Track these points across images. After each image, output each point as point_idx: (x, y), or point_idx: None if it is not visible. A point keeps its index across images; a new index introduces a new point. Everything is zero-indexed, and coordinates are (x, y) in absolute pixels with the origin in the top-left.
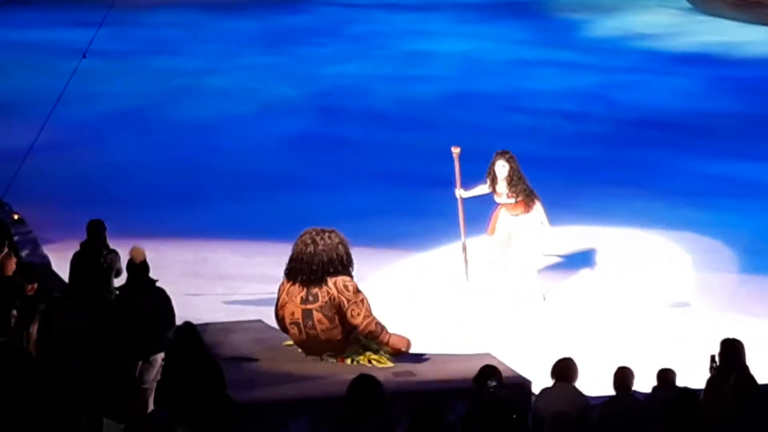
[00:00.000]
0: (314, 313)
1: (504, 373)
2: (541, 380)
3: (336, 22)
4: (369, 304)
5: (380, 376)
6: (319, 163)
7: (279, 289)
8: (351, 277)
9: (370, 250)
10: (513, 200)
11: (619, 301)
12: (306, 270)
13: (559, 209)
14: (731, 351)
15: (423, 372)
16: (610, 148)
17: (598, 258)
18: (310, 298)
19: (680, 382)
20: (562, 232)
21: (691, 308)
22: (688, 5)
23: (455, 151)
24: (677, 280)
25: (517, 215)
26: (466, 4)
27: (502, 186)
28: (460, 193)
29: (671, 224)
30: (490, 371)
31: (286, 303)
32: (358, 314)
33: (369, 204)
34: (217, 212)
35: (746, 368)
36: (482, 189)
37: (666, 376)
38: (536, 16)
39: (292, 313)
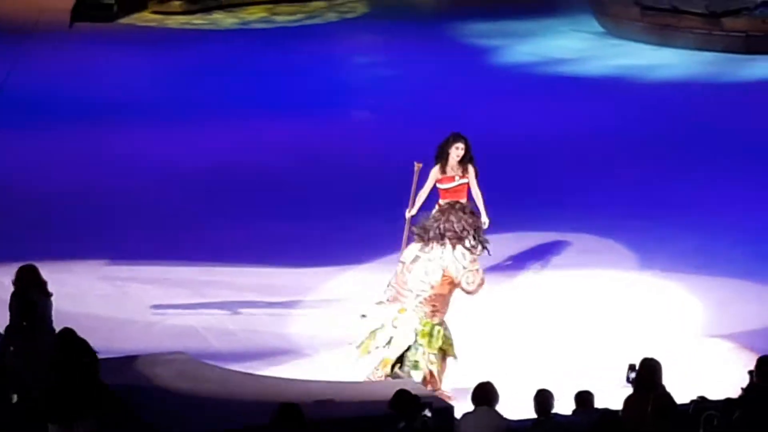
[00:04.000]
0: (419, 260)
1: (426, 399)
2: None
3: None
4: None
5: (301, 403)
6: (235, 191)
7: None
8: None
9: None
10: (460, 181)
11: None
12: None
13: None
14: (649, 371)
15: (346, 399)
16: (527, 171)
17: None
18: (426, 249)
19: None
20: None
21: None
22: (601, 29)
23: (418, 166)
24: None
25: None
26: (376, 31)
27: (453, 168)
28: (412, 212)
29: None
30: (416, 400)
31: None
32: (472, 283)
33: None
34: (134, 241)
35: (663, 388)
36: (423, 196)
37: (585, 398)
38: (448, 43)
39: (407, 254)
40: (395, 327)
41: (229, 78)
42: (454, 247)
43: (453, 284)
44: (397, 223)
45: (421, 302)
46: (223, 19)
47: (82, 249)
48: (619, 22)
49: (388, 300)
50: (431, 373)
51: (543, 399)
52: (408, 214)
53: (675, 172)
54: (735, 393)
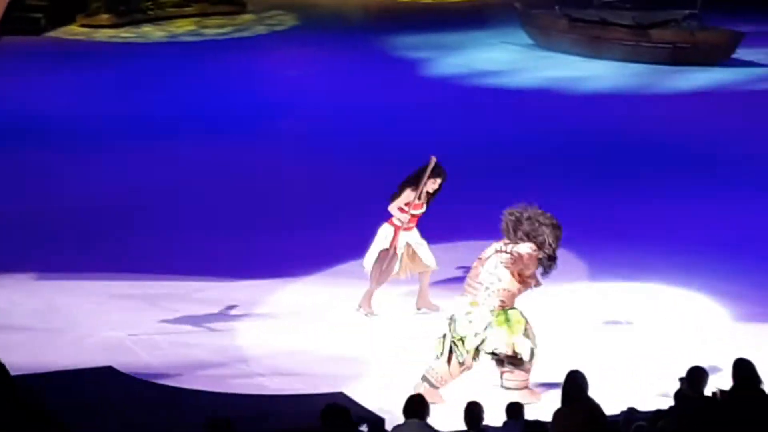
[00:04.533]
0: (494, 255)
1: (358, 412)
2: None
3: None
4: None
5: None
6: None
7: None
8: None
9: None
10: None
11: None
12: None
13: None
14: (576, 383)
15: (278, 413)
16: (456, 182)
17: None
18: (507, 248)
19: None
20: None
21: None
22: (530, 42)
23: (433, 159)
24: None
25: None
26: (306, 44)
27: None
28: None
29: None
30: (348, 414)
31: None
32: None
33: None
34: (64, 255)
35: (592, 400)
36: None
37: (515, 409)
38: (377, 55)
39: (488, 250)
40: (470, 321)
41: (157, 91)
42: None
43: (521, 280)
44: (331, 236)
45: (489, 295)
46: (152, 32)
47: (10, 263)
48: (547, 34)
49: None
50: (514, 358)
51: (472, 411)
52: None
53: (602, 182)
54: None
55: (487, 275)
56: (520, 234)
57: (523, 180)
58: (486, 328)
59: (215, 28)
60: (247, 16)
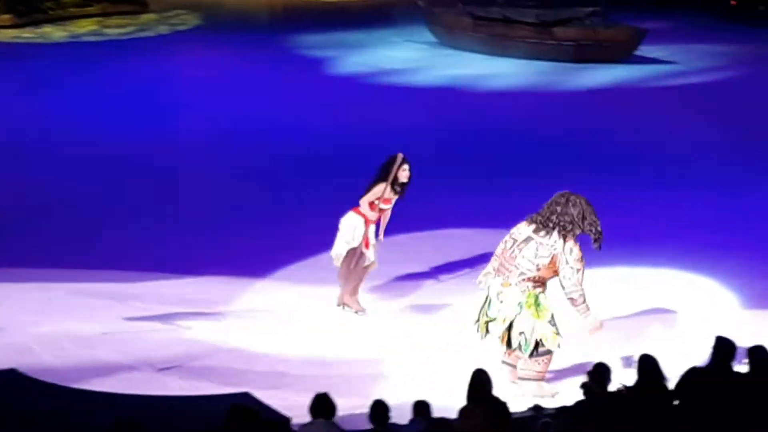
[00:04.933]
0: (531, 241)
1: (263, 413)
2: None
3: None
4: (583, 277)
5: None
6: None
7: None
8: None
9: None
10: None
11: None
12: (546, 218)
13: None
14: (479, 381)
15: (184, 414)
16: (360, 180)
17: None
18: (541, 233)
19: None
20: None
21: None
22: (434, 40)
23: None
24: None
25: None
26: (209, 43)
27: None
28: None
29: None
30: (255, 415)
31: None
32: (569, 279)
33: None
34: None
35: (497, 398)
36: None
37: (422, 407)
38: (282, 54)
39: (518, 228)
40: (501, 301)
41: (59, 92)
42: (566, 240)
43: (555, 273)
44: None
45: (523, 279)
46: (53, 33)
47: None
48: (451, 32)
49: (493, 269)
50: (541, 342)
51: (378, 409)
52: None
53: (505, 179)
54: None
55: (525, 261)
56: (553, 224)
57: (427, 177)
58: (517, 310)
59: (117, 28)
60: (149, 16)
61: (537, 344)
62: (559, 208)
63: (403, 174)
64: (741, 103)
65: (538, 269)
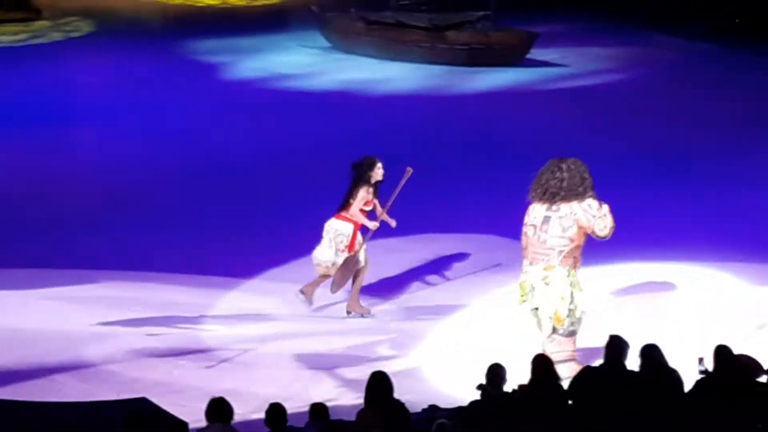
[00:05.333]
0: (551, 219)
1: (162, 417)
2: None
3: None
4: (611, 216)
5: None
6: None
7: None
8: (593, 197)
9: None
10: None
11: None
12: (553, 192)
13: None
14: (381, 384)
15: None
16: (257, 185)
17: None
18: (554, 207)
19: None
20: None
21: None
22: (328, 44)
23: (408, 171)
24: None
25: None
26: (103, 50)
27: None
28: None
29: None
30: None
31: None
32: (603, 229)
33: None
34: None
35: (396, 400)
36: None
37: (319, 410)
38: (176, 60)
39: (535, 217)
40: (547, 284)
41: None
42: (579, 201)
43: (586, 233)
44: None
45: (564, 257)
46: None
47: None
48: (345, 36)
49: (530, 263)
50: (579, 320)
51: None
52: (383, 216)
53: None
54: None
55: (557, 239)
56: (552, 193)
57: (322, 181)
58: (566, 292)
59: (10, 35)
60: (42, 23)
61: (573, 323)
62: (563, 177)
63: (379, 173)
64: (631, 105)
65: (572, 240)
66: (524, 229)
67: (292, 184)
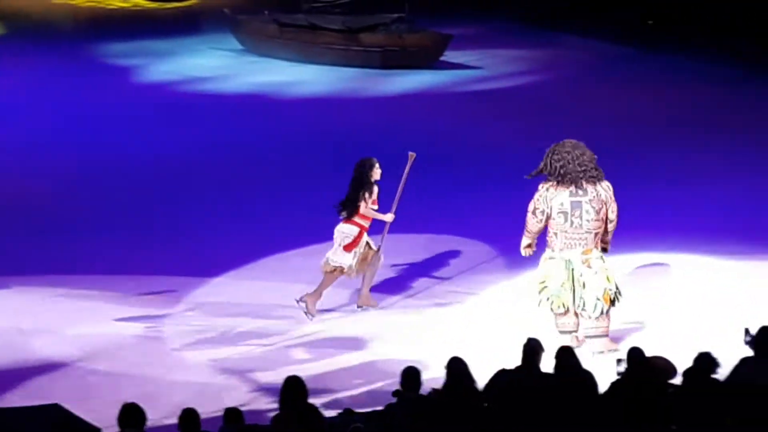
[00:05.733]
0: (581, 204)
1: (75, 423)
2: None
3: None
4: None
5: None
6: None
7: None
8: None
9: None
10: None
11: None
12: (574, 176)
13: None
14: (293, 389)
15: None
16: (172, 188)
17: None
18: (580, 192)
19: None
20: None
21: None
22: (240, 47)
23: (412, 156)
24: None
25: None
26: (12, 53)
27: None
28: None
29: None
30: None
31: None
32: (615, 212)
33: None
34: None
35: (311, 405)
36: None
37: (233, 414)
38: (87, 63)
39: (561, 204)
40: (590, 267)
41: None
42: (600, 182)
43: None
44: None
45: (596, 238)
46: None
47: None
48: (258, 39)
49: (560, 249)
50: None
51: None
52: (394, 207)
53: (312, 183)
54: None
55: (592, 222)
56: (574, 176)
57: (238, 183)
58: (604, 274)
59: None
60: None
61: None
62: (579, 160)
63: (378, 173)
64: (545, 106)
65: (603, 221)
66: (539, 215)
67: (205, 185)
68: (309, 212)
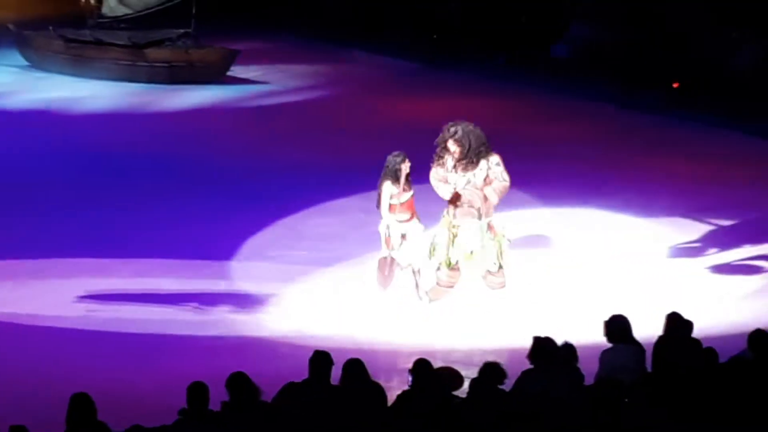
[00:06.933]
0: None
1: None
2: None
3: None
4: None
5: None
6: None
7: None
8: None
9: None
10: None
11: None
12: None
13: None
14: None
15: None
16: None
17: None
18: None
19: None
20: None
21: None
22: (26, 63)
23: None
24: None
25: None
26: None
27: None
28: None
29: None
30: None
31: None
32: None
33: None
34: None
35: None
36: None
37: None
38: None
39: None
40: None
41: None
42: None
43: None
44: None
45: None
46: None
47: None
48: (43, 55)
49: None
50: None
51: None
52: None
53: (105, 199)
54: None
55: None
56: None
57: (28, 200)
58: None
59: None
60: None
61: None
62: (470, 141)
63: (406, 168)
64: (333, 120)
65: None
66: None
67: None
68: (105, 222)
